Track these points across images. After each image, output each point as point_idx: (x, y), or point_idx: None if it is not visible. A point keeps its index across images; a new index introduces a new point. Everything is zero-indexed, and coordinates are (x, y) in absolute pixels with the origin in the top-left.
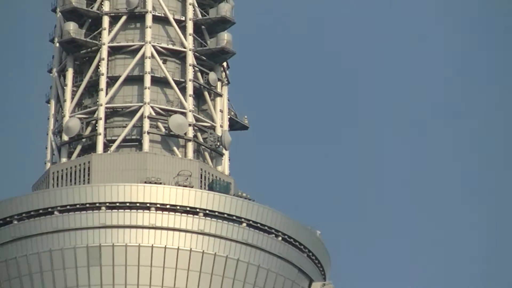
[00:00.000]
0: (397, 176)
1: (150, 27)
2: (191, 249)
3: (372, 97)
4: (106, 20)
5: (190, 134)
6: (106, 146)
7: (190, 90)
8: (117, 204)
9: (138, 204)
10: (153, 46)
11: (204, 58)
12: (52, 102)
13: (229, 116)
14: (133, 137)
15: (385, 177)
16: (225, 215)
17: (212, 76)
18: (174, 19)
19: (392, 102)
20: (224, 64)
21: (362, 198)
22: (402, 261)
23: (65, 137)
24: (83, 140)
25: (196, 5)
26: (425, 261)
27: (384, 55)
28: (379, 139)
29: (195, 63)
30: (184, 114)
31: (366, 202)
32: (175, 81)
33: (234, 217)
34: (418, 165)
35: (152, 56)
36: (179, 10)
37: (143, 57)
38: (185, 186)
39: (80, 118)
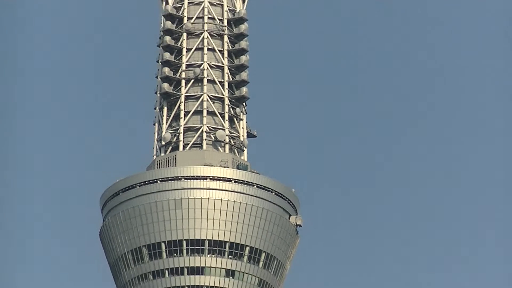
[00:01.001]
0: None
1: (206, 85)
2: (228, 199)
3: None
4: (183, 82)
5: (227, 140)
6: (184, 147)
7: (226, 117)
8: (190, 176)
9: (200, 176)
10: (208, 95)
11: (233, 100)
12: (156, 125)
13: (246, 130)
14: (198, 142)
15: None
16: (244, 182)
17: (237, 110)
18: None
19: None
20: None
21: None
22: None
23: (163, 142)
24: (172, 144)
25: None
26: None
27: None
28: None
29: (228, 102)
30: (223, 129)
31: None
32: (219, 113)
33: (249, 182)
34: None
35: (207, 100)
36: (220, 75)
37: (202, 100)
38: (224, 167)
39: (170, 132)
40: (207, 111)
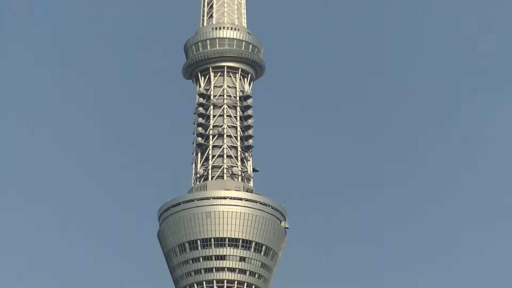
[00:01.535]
0: None
1: (225, 139)
2: (240, 212)
3: None
4: (211, 137)
5: (239, 173)
6: (211, 178)
7: (239, 159)
8: (215, 197)
9: (222, 197)
10: (227, 145)
11: (243, 148)
12: (193, 164)
13: (252, 167)
14: (220, 175)
15: None
16: (251, 200)
17: (246, 154)
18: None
19: None
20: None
21: None
22: None
23: (198, 175)
24: (204, 176)
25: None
26: None
27: None
28: None
29: (240, 149)
30: (237, 167)
31: None
32: (234, 156)
33: (254, 200)
34: None
35: (226, 148)
36: (235, 132)
37: (223, 148)
38: (238, 191)
39: (203, 169)
40: (226, 155)
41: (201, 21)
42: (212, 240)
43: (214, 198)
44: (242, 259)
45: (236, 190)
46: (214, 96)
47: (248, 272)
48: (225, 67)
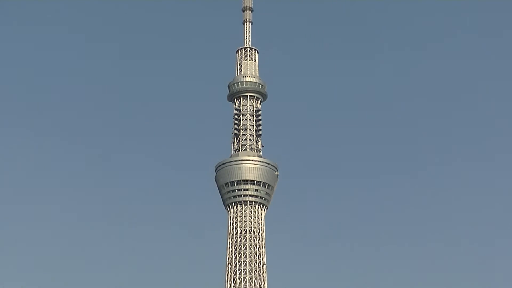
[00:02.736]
0: None
1: (248, 134)
2: (255, 166)
3: None
4: (240, 134)
5: (255, 148)
6: (241, 150)
7: (255, 142)
8: (243, 160)
9: (246, 160)
10: (250, 135)
11: (256, 136)
12: (232, 143)
13: (261, 145)
14: (244, 149)
15: None
16: (260, 161)
17: (259, 143)
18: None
19: None
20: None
21: None
22: None
23: (234, 149)
24: (237, 149)
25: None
26: None
27: None
28: None
29: (255, 136)
30: (253, 145)
31: None
32: (252, 139)
33: (261, 161)
34: None
35: (248, 140)
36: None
37: (247, 137)
38: (254, 156)
39: (236, 146)
40: (248, 139)
41: (236, 72)
42: (241, 181)
43: (242, 160)
44: (256, 190)
45: (253, 156)
46: (243, 109)
47: (259, 196)
48: (248, 95)
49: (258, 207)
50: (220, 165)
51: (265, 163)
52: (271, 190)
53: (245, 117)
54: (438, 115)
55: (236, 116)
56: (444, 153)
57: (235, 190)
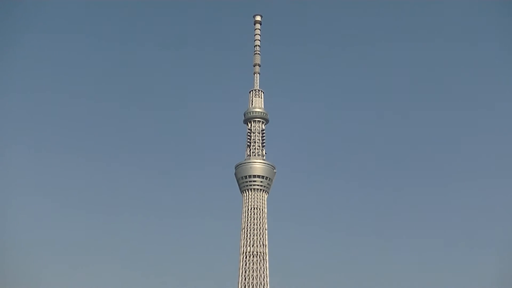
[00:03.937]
0: None
1: (257, 144)
2: (261, 166)
3: None
4: (252, 143)
5: (261, 154)
6: (252, 156)
7: (261, 150)
8: (253, 161)
9: (255, 162)
10: (257, 145)
11: (262, 146)
12: (246, 151)
13: (264, 152)
14: (253, 154)
15: None
16: (264, 162)
17: (263, 151)
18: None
19: None
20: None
21: None
22: None
23: (247, 155)
24: (249, 155)
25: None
26: None
27: None
28: None
29: (262, 148)
30: (260, 152)
31: None
32: (259, 148)
33: (265, 163)
34: None
35: (257, 148)
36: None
37: (256, 146)
38: (260, 160)
39: (249, 153)
40: (256, 148)
41: (249, 105)
42: (252, 175)
43: (252, 162)
44: (261, 181)
45: (259, 159)
46: (253, 129)
47: (262, 185)
48: (256, 120)
49: (262, 193)
50: (238, 165)
51: (267, 164)
52: (270, 181)
53: (254, 134)
54: (438, 115)
55: (248, 133)
56: (445, 148)
57: (247, 181)
